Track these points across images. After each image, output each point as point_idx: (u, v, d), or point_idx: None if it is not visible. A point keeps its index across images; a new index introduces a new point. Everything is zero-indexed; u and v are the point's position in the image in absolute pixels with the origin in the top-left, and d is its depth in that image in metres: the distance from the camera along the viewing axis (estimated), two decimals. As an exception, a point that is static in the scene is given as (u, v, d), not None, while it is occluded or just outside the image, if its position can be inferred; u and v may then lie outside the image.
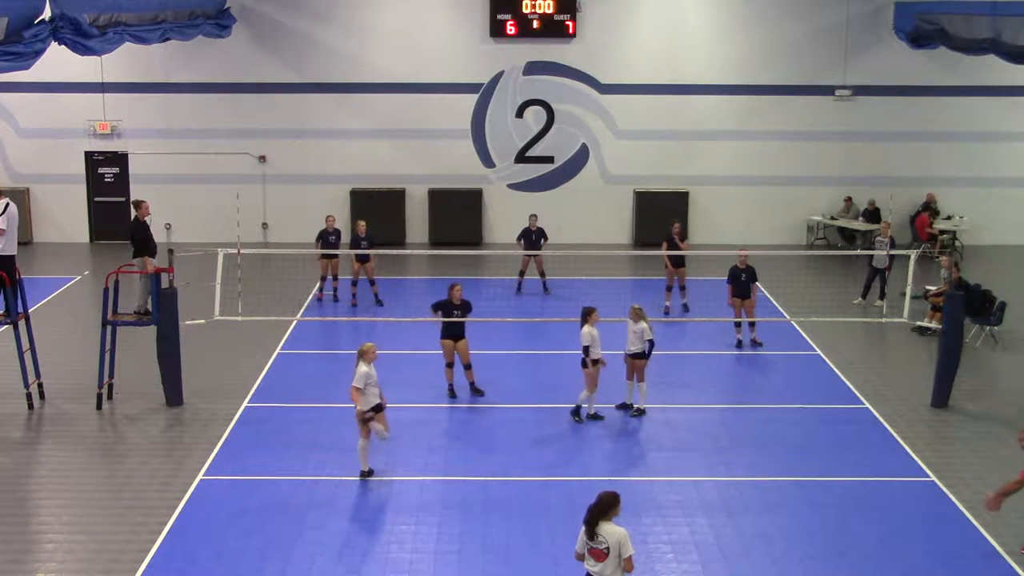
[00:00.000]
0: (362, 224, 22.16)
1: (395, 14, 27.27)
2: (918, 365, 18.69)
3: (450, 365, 16.83)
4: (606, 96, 27.66)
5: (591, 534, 9.45)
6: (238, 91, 27.47)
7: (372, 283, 22.01)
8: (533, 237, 22.82)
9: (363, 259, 21.90)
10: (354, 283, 22.15)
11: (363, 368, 13.51)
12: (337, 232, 22.26)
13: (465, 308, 16.80)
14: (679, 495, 13.53)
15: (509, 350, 19.29)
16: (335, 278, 22.35)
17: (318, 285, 22.56)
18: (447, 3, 27.30)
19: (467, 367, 16.87)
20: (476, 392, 16.87)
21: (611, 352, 16.32)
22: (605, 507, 9.47)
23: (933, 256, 25.17)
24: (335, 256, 22.11)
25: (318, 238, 22.15)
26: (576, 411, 15.89)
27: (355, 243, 22.22)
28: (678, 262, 21.57)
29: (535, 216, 23.17)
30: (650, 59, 27.52)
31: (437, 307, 16.81)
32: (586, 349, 15.50)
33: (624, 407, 16.30)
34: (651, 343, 15.86)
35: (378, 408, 13.72)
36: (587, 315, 15.67)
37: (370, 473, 13.87)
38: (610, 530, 9.41)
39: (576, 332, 15.95)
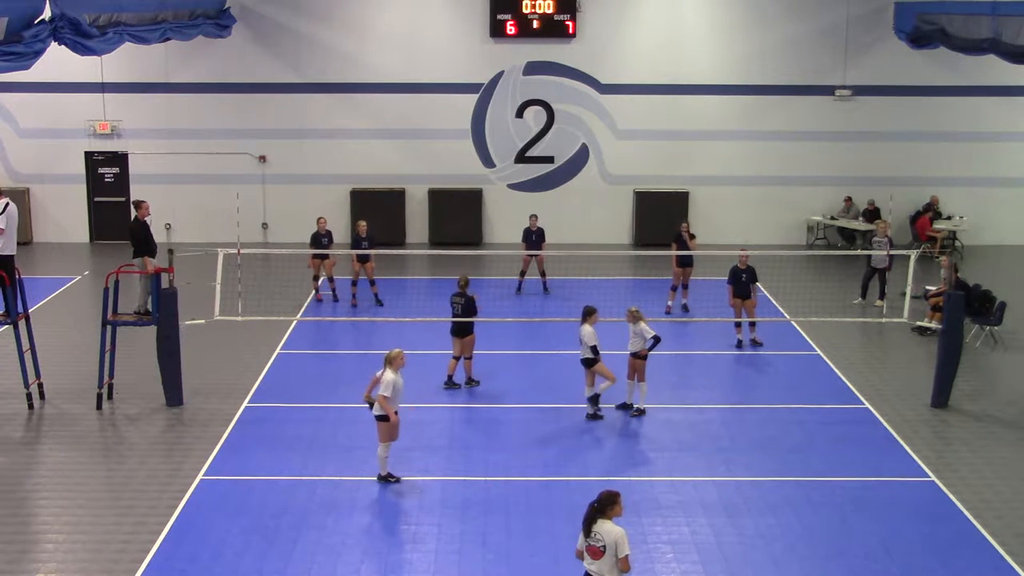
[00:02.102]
0: (362, 224, 22.15)
1: (395, 14, 27.27)
2: (918, 365, 18.68)
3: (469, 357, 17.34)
4: (606, 96, 27.66)
5: (588, 531, 9.49)
6: (238, 91, 27.47)
7: (372, 283, 22.01)
8: (533, 237, 22.87)
9: (363, 259, 21.89)
10: (354, 283, 22.14)
11: (390, 376, 13.37)
12: (328, 234, 22.21)
13: None
14: (679, 495, 13.53)
15: (509, 350, 19.29)
16: (331, 279, 22.30)
17: (313, 285, 22.51)
18: (447, 3, 27.30)
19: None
20: (454, 386, 17.26)
21: (612, 352, 16.32)
22: (603, 505, 9.51)
23: (933, 256, 25.17)
24: (327, 257, 22.05)
25: (312, 242, 22.13)
26: (595, 401, 15.87)
27: (355, 243, 22.21)
28: (685, 261, 21.57)
29: (535, 216, 23.19)
30: (650, 59, 27.52)
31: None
32: (594, 348, 15.52)
33: (624, 407, 16.30)
34: (656, 338, 15.85)
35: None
36: (589, 314, 15.69)
37: (388, 477, 13.82)
38: (607, 529, 9.44)
39: (575, 332, 15.95)
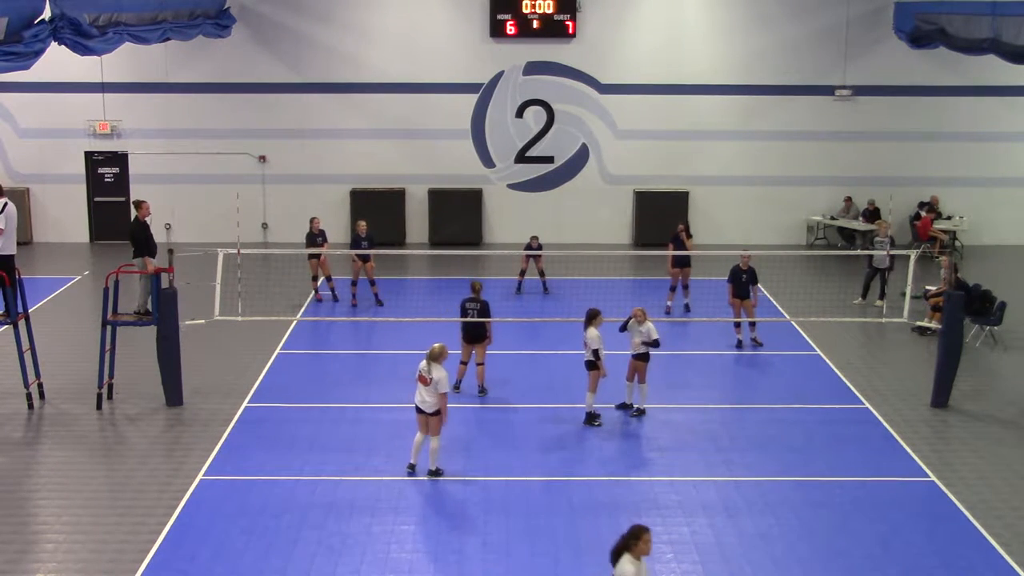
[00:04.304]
0: (362, 224, 22.15)
1: (395, 14, 27.27)
2: (918, 365, 18.68)
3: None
4: (606, 96, 27.66)
5: (613, 562, 9.17)
6: (238, 91, 27.47)
7: (372, 283, 22.00)
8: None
9: (363, 259, 21.88)
10: (354, 283, 22.13)
11: (443, 373, 13.58)
12: (322, 233, 22.19)
13: None
14: (679, 495, 13.53)
15: (509, 350, 19.28)
16: (329, 279, 22.28)
17: (312, 286, 22.49)
18: (447, 3, 27.30)
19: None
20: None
21: (613, 352, 16.31)
22: (627, 539, 9.19)
23: (933, 256, 25.17)
24: (320, 256, 22.00)
25: (307, 242, 22.10)
26: (594, 417, 15.81)
27: (355, 243, 22.20)
28: (682, 262, 21.55)
29: (536, 237, 22.95)
30: (650, 59, 27.52)
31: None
32: (596, 352, 15.49)
33: (624, 407, 16.30)
34: (656, 342, 15.85)
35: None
36: (593, 317, 15.63)
37: (439, 472, 13.94)
38: (621, 570, 9.09)
39: (577, 332, 15.93)
